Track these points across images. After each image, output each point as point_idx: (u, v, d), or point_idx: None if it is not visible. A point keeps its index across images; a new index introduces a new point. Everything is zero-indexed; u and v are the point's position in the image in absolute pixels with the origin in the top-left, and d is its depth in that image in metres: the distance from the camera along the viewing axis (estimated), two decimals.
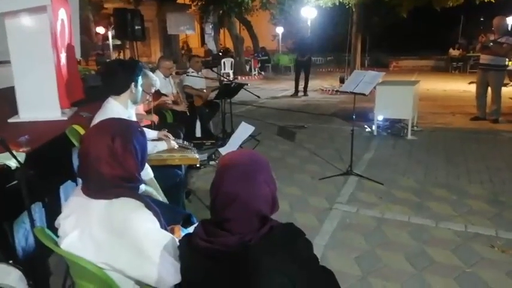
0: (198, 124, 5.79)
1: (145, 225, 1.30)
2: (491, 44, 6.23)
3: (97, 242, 1.29)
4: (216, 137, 5.84)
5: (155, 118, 3.73)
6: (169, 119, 4.97)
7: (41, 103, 3.51)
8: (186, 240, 1.14)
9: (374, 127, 6.08)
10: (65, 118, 3.57)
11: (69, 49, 3.77)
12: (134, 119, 3.06)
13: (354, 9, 12.55)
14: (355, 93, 4.09)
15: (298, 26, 13.89)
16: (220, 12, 15.66)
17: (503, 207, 3.46)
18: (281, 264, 1.00)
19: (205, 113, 5.83)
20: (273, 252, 1.01)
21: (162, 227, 1.37)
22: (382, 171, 4.42)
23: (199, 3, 16.25)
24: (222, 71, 14.47)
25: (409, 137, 5.77)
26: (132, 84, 2.22)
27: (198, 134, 5.80)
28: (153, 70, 5.07)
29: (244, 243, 1.03)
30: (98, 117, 2.19)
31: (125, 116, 2.20)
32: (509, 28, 6.97)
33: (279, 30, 19.98)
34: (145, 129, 3.41)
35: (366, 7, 12.93)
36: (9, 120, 3.50)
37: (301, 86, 10.92)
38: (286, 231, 1.09)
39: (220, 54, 19.00)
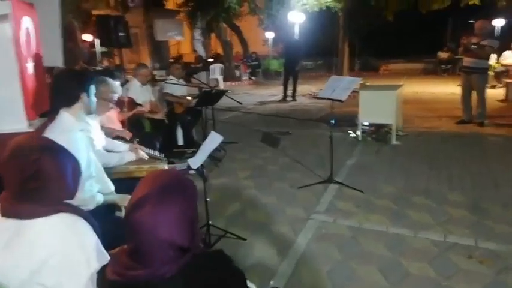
0: (180, 132, 5.68)
1: (80, 239, 1.28)
2: (473, 46, 6.20)
3: (34, 264, 1.22)
4: (199, 145, 5.72)
5: (127, 135, 3.58)
6: (147, 127, 4.86)
7: (5, 114, 3.38)
8: (102, 269, 1.04)
9: (358, 132, 6.00)
10: (32, 130, 3.45)
11: (37, 58, 3.65)
12: (98, 129, 2.98)
13: (340, 14, 12.54)
14: (332, 100, 4.00)
15: (286, 30, 13.80)
16: (208, 18, 15.59)
17: (483, 214, 3.37)
18: None
19: (188, 121, 5.71)
20: (190, 286, 0.91)
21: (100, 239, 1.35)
22: (363, 178, 4.32)
23: (186, 9, 16.19)
24: (211, 77, 14.36)
25: (394, 142, 5.69)
26: (84, 95, 2.11)
27: (181, 142, 5.69)
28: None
29: (156, 278, 0.91)
30: (49, 130, 2.07)
31: (77, 129, 2.09)
32: (495, 30, 6.94)
33: (269, 35, 19.90)
34: (117, 142, 3.33)
35: (352, 11, 12.92)
36: None
37: (290, 91, 10.85)
38: (210, 261, 0.98)
39: (212, 60, 18.90)
